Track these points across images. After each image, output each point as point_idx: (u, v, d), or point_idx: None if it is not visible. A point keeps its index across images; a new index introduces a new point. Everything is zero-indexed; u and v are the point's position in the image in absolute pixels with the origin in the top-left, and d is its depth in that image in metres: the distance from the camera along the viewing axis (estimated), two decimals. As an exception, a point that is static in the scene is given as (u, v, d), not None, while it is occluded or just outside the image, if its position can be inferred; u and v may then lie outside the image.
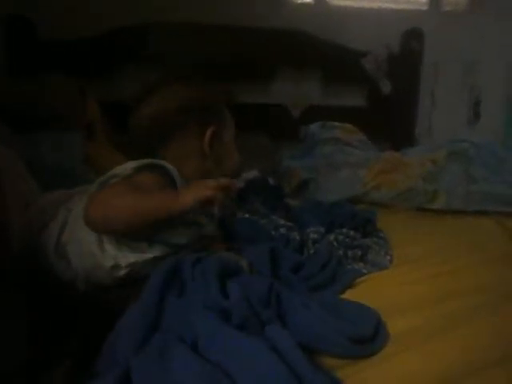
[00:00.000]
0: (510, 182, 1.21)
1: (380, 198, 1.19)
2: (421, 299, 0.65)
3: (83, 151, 1.00)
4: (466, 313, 0.60)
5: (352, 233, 0.85)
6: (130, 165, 0.71)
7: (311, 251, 0.80)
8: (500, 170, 1.27)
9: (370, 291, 0.69)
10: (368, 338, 0.50)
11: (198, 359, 0.39)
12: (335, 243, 0.82)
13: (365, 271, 0.76)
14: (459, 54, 1.80)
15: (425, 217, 1.14)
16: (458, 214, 1.14)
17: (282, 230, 0.87)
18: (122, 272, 0.66)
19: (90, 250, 0.67)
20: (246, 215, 0.93)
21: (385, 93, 1.74)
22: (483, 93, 1.85)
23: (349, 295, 0.68)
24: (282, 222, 0.89)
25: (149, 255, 0.67)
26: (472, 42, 1.79)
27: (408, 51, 1.74)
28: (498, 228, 1.04)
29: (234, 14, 1.62)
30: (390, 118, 1.75)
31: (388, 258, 0.83)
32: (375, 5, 1.83)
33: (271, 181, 1.31)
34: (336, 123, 1.47)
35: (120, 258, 0.66)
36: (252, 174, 1.36)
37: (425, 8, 1.85)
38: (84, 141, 1.03)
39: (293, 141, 1.62)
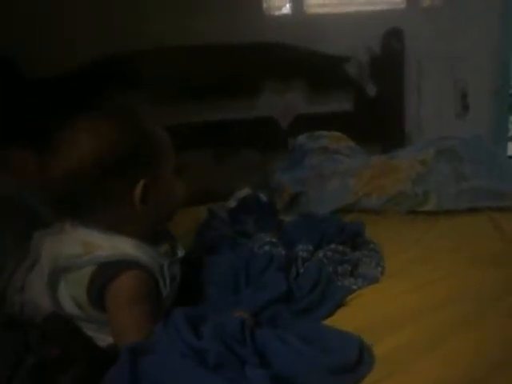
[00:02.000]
0: (501, 177, 1.21)
1: (371, 205, 1.20)
2: (409, 313, 0.65)
3: None
4: (453, 324, 0.60)
5: (341, 248, 0.85)
6: (85, 255, 0.63)
7: (301, 270, 0.81)
8: (490, 164, 1.27)
9: (359, 308, 0.70)
10: (350, 366, 0.50)
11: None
12: (325, 260, 0.83)
13: (355, 287, 0.76)
14: (441, 48, 1.80)
15: (417, 220, 1.14)
16: (450, 213, 1.14)
17: (266, 248, 0.87)
18: None
19: None
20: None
21: (370, 95, 1.75)
22: (470, 85, 1.85)
23: (339, 315, 0.69)
24: (268, 239, 0.89)
25: None
26: (453, 36, 1.79)
27: (390, 51, 1.75)
28: (490, 225, 1.04)
29: (213, 31, 1.64)
30: (378, 120, 1.75)
31: (379, 269, 0.84)
32: (353, 9, 1.84)
33: (263, 197, 1.31)
34: (323, 132, 1.48)
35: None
36: (244, 192, 1.37)
37: (402, 6, 1.85)
38: None
39: (284, 152, 1.63)
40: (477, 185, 1.18)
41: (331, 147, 1.42)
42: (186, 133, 1.63)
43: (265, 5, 1.77)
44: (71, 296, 0.64)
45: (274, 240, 0.88)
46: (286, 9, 1.82)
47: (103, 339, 0.63)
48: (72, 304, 0.64)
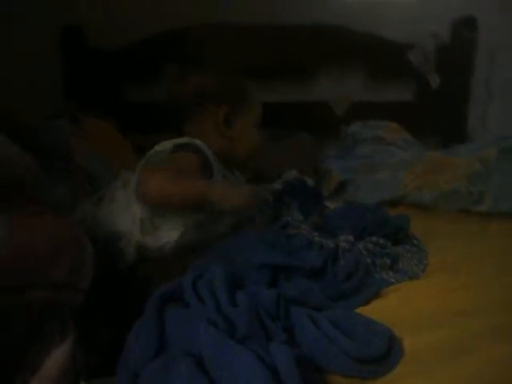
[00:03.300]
0: None
1: (421, 200, 1.15)
2: (443, 314, 0.63)
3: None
4: (485, 333, 0.57)
5: (382, 241, 0.83)
6: (169, 143, 0.88)
7: (341, 261, 0.80)
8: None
9: (394, 302, 0.68)
10: (377, 358, 0.49)
11: (197, 376, 0.42)
12: (364, 252, 0.81)
13: (393, 280, 0.75)
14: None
15: (469, 220, 1.08)
16: (506, 217, 1.07)
17: (317, 239, 0.86)
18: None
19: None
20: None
21: (433, 87, 1.67)
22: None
23: (373, 306, 0.67)
24: (316, 233, 0.88)
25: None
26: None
27: (460, 40, 1.65)
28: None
29: (275, 11, 1.63)
30: (439, 113, 1.67)
31: (421, 266, 0.81)
32: (424, -7, 1.75)
33: (310, 182, 1.30)
34: (378, 122, 1.44)
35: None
36: (291, 174, 1.36)
37: (478, -8, 1.73)
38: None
39: (336, 139, 1.60)
40: (540, 189, 1.10)
41: (385, 138, 1.38)
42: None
43: (330, -14, 1.73)
44: None
45: (324, 234, 0.86)
46: (354, -8, 1.76)
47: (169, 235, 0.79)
48: None
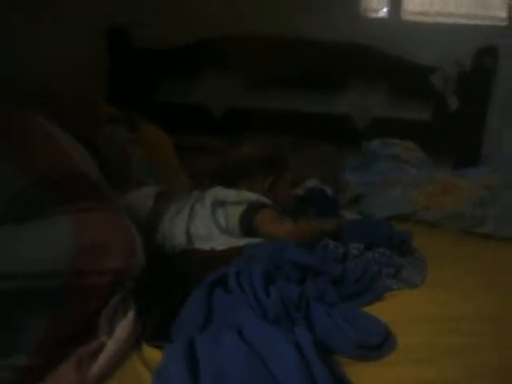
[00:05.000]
0: None
1: (428, 218, 1.27)
2: (433, 319, 0.75)
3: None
4: (471, 340, 0.69)
5: (388, 252, 0.95)
6: (242, 196, 1.06)
7: (351, 265, 0.92)
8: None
9: (393, 305, 0.81)
10: (374, 346, 0.62)
11: (241, 342, 0.55)
12: (372, 261, 0.93)
13: (395, 287, 0.87)
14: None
15: (470, 241, 1.20)
16: (505, 241, 1.18)
17: (331, 246, 0.99)
18: None
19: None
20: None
21: (452, 109, 1.77)
22: None
23: (376, 306, 0.80)
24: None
25: None
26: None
27: (480, 69, 1.75)
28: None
29: (308, 26, 1.75)
30: (455, 135, 1.77)
31: (420, 277, 0.93)
32: (450, 20, 1.85)
33: (329, 191, 1.42)
34: (396, 140, 1.55)
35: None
36: (312, 182, 1.49)
37: (504, 24, 1.82)
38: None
39: (355, 151, 1.71)
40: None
41: (402, 156, 1.49)
42: (271, 118, 1.79)
43: (363, 6, 1.84)
44: (226, 220, 1.02)
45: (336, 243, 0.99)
46: (383, 12, 1.87)
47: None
48: (225, 223, 1.01)
